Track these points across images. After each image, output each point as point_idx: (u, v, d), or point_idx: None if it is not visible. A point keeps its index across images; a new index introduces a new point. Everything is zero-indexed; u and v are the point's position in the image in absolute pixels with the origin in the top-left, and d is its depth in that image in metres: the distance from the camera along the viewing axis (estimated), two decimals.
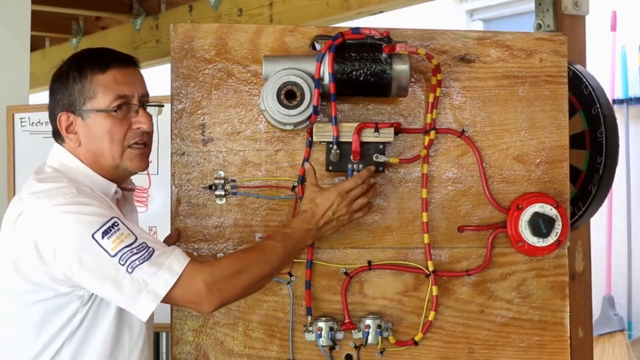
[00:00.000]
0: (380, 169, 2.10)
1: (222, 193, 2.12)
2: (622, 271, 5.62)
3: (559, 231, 2.12)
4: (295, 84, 2.03)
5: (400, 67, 2.04)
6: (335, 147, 2.06)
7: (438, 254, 2.17)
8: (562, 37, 2.24)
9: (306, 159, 2.12)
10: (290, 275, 2.14)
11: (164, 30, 5.12)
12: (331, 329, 2.11)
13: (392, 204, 2.16)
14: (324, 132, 2.06)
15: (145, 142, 1.98)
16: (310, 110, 2.05)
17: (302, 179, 2.12)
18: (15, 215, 1.87)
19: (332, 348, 2.12)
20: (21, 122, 3.56)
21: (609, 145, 2.39)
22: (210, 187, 2.12)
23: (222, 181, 2.13)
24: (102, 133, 1.93)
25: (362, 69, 2.03)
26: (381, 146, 2.08)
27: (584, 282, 3.00)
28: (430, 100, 2.14)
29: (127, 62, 1.98)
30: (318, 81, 2.03)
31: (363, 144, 2.06)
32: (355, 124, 2.05)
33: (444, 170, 2.18)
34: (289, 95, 2.04)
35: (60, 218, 1.81)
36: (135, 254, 1.79)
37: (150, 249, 1.81)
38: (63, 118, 1.95)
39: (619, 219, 5.63)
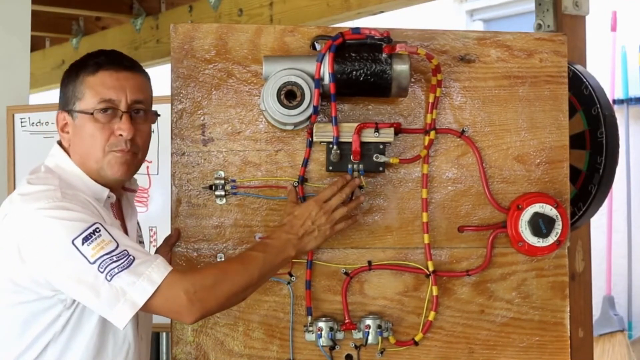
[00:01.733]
0: (380, 169, 2.10)
1: (222, 193, 2.12)
2: (622, 271, 5.61)
3: (559, 231, 2.12)
4: (295, 84, 2.03)
5: (400, 67, 2.04)
6: (335, 147, 2.06)
7: (438, 254, 2.17)
8: (562, 37, 2.23)
9: (306, 159, 2.12)
10: (291, 275, 2.14)
11: (164, 30, 5.12)
12: (331, 329, 2.11)
13: (392, 204, 2.16)
14: (324, 132, 2.06)
15: (134, 151, 1.93)
16: (310, 110, 2.05)
17: (302, 179, 2.12)
18: (2, 216, 1.87)
19: (332, 348, 2.12)
20: (21, 122, 3.55)
21: (609, 145, 2.39)
22: (210, 187, 2.12)
23: (222, 181, 2.12)
24: (86, 135, 1.92)
25: (362, 69, 2.03)
26: (381, 146, 2.08)
27: (584, 282, 3.00)
28: (430, 100, 2.14)
29: (121, 66, 1.94)
30: (318, 81, 2.03)
31: (363, 144, 2.06)
32: (355, 124, 2.05)
33: (444, 170, 2.18)
34: (289, 95, 2.04)
35: (42, 222, 1.80)
36: (115, 261, 1.77)
37: (131, 257, 1.78)
38: (60, 117, 1.97)
39: (619, 219, 5.62)
